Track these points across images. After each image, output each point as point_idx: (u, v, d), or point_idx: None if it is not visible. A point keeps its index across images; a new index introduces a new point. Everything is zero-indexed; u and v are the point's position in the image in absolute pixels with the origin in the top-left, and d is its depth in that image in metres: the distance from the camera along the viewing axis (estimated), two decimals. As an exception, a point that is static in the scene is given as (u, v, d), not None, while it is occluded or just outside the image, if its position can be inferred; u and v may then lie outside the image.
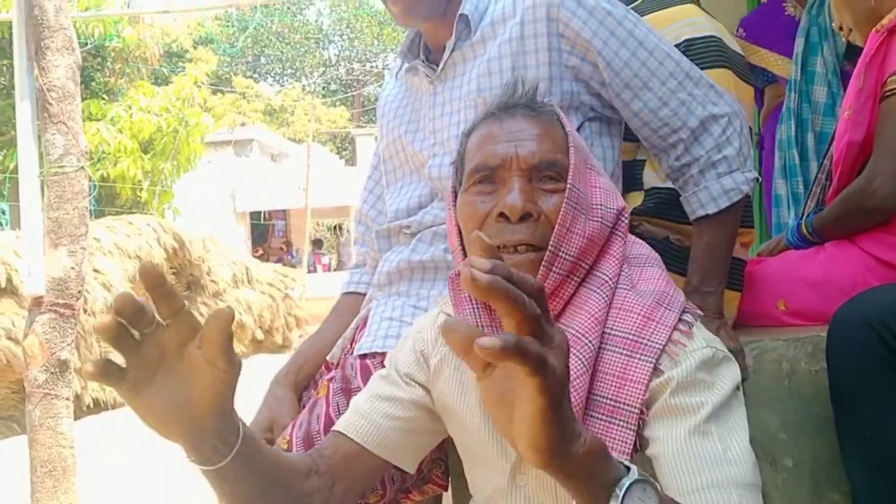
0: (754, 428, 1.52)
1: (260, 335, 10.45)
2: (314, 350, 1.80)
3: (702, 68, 1.76)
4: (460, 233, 1.24)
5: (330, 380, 1.63)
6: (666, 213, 1.78)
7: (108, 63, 13.50)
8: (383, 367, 1.42)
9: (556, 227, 1.14)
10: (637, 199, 1.85)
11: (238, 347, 9.77)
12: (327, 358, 1.76)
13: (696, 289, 1.57)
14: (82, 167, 3.06)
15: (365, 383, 1.54)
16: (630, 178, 1.84)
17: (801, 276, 1.85)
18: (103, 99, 12.55)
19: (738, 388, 1.16)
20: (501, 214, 1.16)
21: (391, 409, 1.31)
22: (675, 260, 1.72)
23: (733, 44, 1.91)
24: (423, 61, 1.74)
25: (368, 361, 1.60)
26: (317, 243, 23.23)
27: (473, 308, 1.21)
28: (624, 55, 1.56)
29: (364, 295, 1.89)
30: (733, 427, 1.12)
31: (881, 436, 1.33)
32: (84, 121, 10.86)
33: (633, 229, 1.80)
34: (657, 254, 1.30)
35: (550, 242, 1.14)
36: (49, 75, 3.09)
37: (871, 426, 1.34)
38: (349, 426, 1.30)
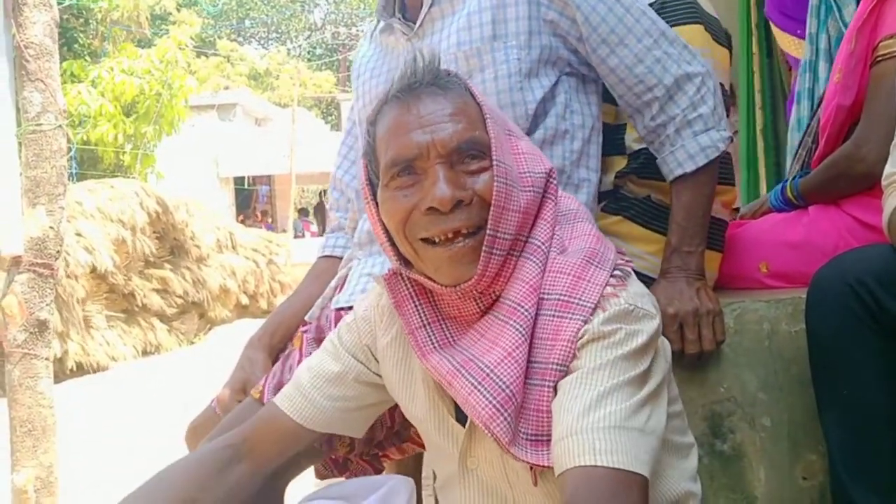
0: (734, 388, 1.54)
1: (245, 300, 10.44)
2: (289, 313, 1.79)
3: (676, 24, 1.76)
4: (386, 228, 1.19)
5: (305, 331, 1.64)
6: (647, 172, 1.77)
7: (93, 24, 13.28)
8: None
9: (492, 207, 1.10)
10: (620, 162, 1.84)
11: (223, 313, 9.78)
12: (306, 318, 1.75)
13: (675, 249, 1.57)
14: (60, 126, 3.01)
15: None
16: (612, 142, 1.83)
17: (784, 239, 1.85)
18: (86, 60, 12.36)
19: (649, 347, 1.10)
20: (431, 208, 1.11)
21: (334, 389, 1.31)
22: (655, 218, 1.71)
23: (707, 6, 1.90)
24: (399, 19, 1.71)
25: (344, 314, 1.59)
26: (303, 212, 23.11)
27: (416, 305, 1.19)
28: (601, 10, 1.55)
29: (340, 258, 1.88)
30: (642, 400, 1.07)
31: (858, 396, 1.34)
32: (66, 82, 10.74)
33: (616, 189, 1.80)
34: (586, 208, 1.28)
35: (489, 225, 1.11)
36: (26, 32, 3.02)
37: (849, 386, 1.35)
38: (290, 404, 1.31)
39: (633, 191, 1.78)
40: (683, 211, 1.58)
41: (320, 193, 24.07)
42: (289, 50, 36.06)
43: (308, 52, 37.82)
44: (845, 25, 2.42)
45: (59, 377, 5.31)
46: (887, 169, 1.43)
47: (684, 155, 1.57)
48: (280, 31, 38.92)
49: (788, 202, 1.95)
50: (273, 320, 1.79)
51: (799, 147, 2.14)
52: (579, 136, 1.62)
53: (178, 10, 22.17)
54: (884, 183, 1.43)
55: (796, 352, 1.52)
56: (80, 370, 7.08)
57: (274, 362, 1.72)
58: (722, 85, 1.84)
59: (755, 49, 4.04)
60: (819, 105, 2.07)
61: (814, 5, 2.57)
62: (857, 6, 2.35)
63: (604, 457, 0.99)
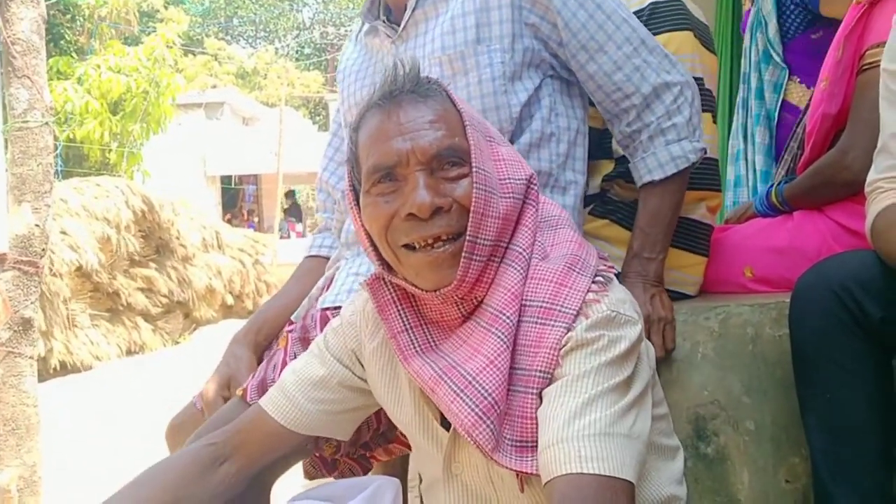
0: (718, 391, 1.55)
1: (230, 300, 10.39)
2: (274, 311, 1.80)
3: (666, 30, 1.77)
4: (369, 233, 1.20)
5: (290, 331, 1.64)
6: (635, 177, 1.78)
7: (80, 21, 13.18)
8: None
9: (471, 214, 1.12)
10: (607, 166, 1.85)
11: (208, 312, 9.74)
12: (292, 318, 1.76)
13: (636, 254, 1.59)
14: (46, 123, 3.00)
15: None
16: (600, 145, 1.84)
17: (768, 244, 1.86)
18: (72, 57, 12.26)
19: (632, 353, 1.12)
20: (411, 214, 1.12)
21: (318, 393, 1.32)
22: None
23: (697, 11, 1.91)
24: (383, 21, 1.72)
25: (329, 314, 1.60)
26: (289, 212, 23.07)
27: (399, 309, 1.20)
28: (581, 16, 1.56)
29: (327, 258, 1.89)
30: (625, 407, 1.07)
31: (840, 400, 1.35)
32: (52, 78, 10.64)
33: (603, 193, 1.81)
34: (569, 214, 1.29)
35: (468, 231, 1.12)
36: (13, 28, 3.01)
37: (831, 390, 1.36)
38: (275, 407, 1.32)
39: (619, 194, 1.80)
40: (648, 217, 1.61)
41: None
42: (277, 49, 35.90)
43: (296, 52, 37.69)
44: (769, 41, 2.46)
45: (42, 376, 5.28)
46: (871, 176, 1.44)
47: (654, 163, 1.59)
48: (268, 29, 38.77)
49: (773, 207, 1.97)
50: (258, 318, 1.80)
51: (784, 152, 2.15)
52: (565, 138, 1.63)
53: (166, 8, 22.04)
54: (867, 189, 1.44)
55: (780, 356, 1.53)
56: (64, 369, 7.03)
57: (259, 360, 1.72)
58: (710, 90, 1.85)
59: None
60: (805, 111, 2.08)
61: (750, 21, 2.62)
62: (778, 22, 2.41)
63: (591, 464, 1.00)
